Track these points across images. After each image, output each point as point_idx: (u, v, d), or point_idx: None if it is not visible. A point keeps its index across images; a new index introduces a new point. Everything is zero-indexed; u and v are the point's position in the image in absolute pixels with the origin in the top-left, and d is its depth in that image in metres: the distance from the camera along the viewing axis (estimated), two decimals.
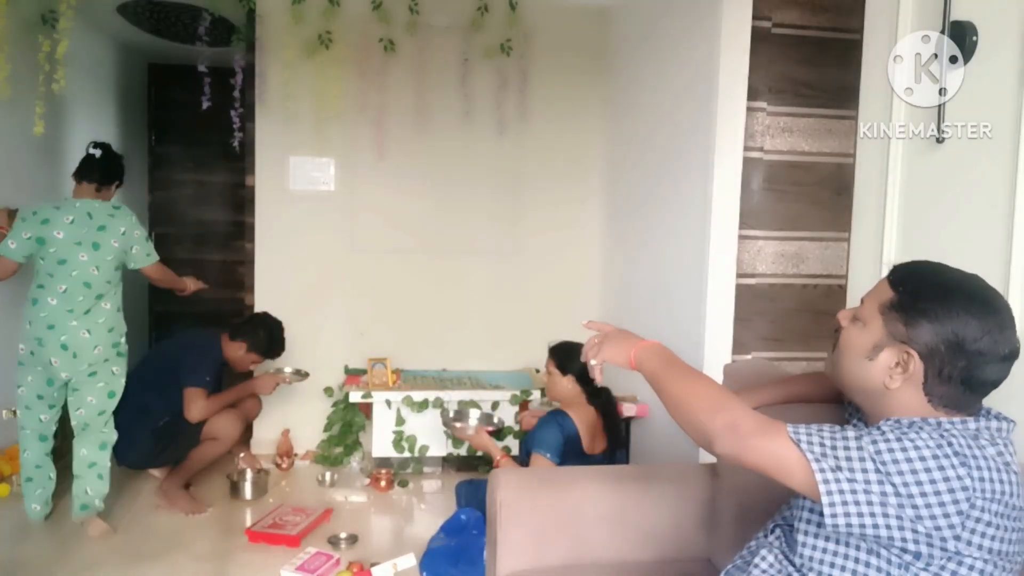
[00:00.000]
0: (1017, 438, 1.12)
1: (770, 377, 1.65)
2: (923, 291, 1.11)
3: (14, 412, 3.27)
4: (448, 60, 3.93)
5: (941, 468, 0.99)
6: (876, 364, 1.13)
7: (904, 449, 1.01)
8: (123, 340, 2.97)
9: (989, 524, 1.00)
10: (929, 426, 1.07)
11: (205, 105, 3.55)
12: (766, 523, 1.37)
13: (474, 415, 3.20)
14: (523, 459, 2.73)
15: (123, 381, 2.97)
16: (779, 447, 1.06)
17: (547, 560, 1.79)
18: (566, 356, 2.71)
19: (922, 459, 1.00)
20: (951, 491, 0.98)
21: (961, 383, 1.07)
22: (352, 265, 3.98)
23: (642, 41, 3.55)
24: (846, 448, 1.04)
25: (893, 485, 1.00)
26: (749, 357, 2.69)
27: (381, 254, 4.00)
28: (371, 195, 3.96)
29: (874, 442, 1.03)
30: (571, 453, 2.52)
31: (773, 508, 1.38)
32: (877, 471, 1.01)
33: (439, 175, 4.01)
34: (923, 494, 0.98)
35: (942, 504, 0.98)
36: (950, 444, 1.01)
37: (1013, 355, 1.08)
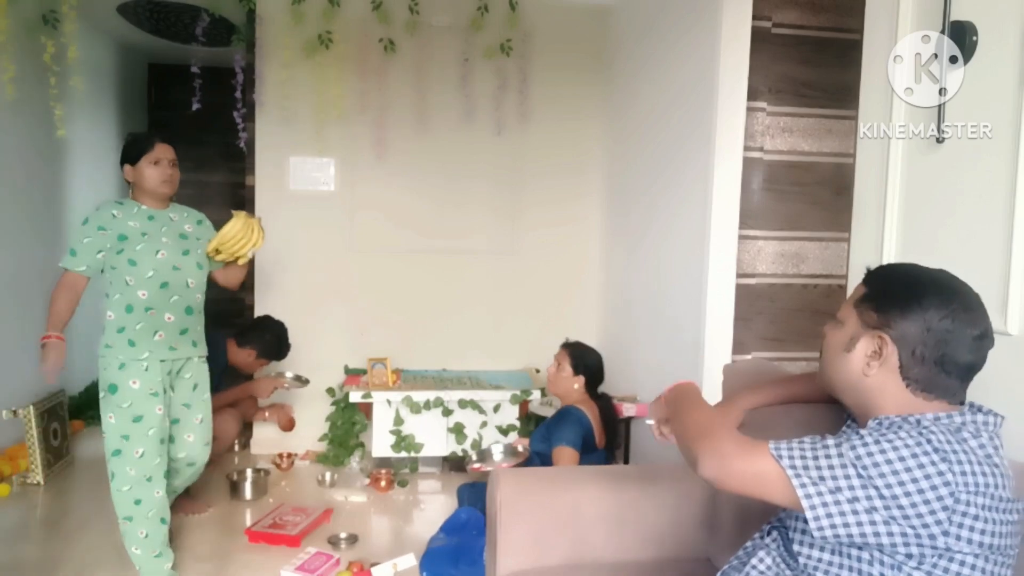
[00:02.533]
0: (1006, 433, 1.12)
1: (770, 377, 1.65)
2: (892, 282, 1.18)
3: (15, 412, 3.28)
4: (448, 60, 3.93)
5: (921, 466, 1.00)
6: (854, 355, 1.17)
7: (883, 451, 1.03)
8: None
9: (976, 518, 1.00)
10: (909, 424, 1.08)
11: (195, 106, 3.55)
12: (762, 525, 1.37)
13: (497, 450, 2.88)
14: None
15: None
16: (760, 466, 1.09)
17: (547, 560, 1.78)
18: (583, 356, 2.77)
19: (901, 459, 1.01)
20: (933, 487, 0.99)
21: (935, 363, 1.11)
22: (352, 265, 3.98)
23: (642, 41, 3.55)
24: (827, 457, 1.06)
25: (876, 488, 1.01)
26: (749, 357, 2.68)
27: (381, 254, 4.01)
28: (371, 195, 3.96)
29: (853, 447, 1.05)
30: (586, 447, 2.60)
31: (772, 509, 1.38)
32: (859, 476, 1.02)
33: (439, 175, 4.01)
34: (907, 493, 1.00)
35: (927, 501, 0.99)
36: (929, 441, 1.02)
37: (984, 336, 1.11)
